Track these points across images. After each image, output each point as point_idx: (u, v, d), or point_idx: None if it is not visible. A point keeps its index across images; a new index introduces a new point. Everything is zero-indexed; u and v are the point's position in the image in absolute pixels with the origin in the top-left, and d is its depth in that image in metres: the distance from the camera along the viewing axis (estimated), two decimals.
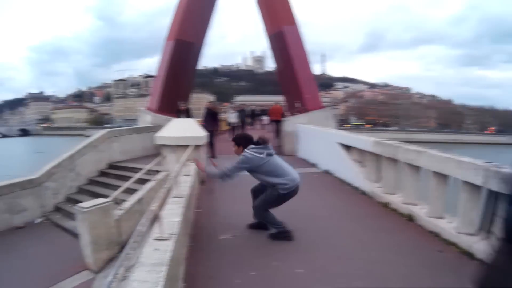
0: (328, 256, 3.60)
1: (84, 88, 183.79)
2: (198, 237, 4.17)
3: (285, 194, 3.92)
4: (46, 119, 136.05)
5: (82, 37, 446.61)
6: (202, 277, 3.15)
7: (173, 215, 3.69)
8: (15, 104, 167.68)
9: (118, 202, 6.05)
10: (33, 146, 63.74)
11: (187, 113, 10.48)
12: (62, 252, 6.05)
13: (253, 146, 4.03)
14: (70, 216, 6.72)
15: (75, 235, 6.09)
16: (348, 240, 4.04)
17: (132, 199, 6.37)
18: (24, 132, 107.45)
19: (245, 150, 4.00)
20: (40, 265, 5.60)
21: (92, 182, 9.20)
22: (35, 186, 7.83)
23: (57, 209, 8.16)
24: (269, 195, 4.02)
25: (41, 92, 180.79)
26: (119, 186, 6.99)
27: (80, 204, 5.32)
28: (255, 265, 3.37)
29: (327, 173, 8.44)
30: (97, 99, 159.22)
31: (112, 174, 9.51)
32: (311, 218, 4.91)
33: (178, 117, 9.67)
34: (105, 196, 6.35)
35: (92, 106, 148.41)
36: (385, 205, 5.44)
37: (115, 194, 6.22)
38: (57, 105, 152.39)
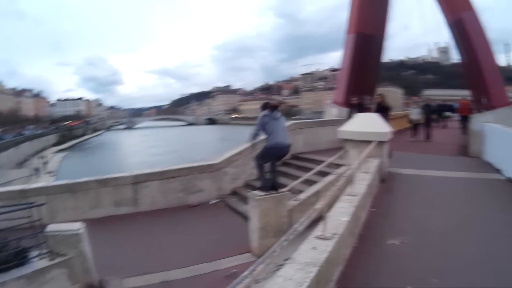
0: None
1: (271, 82, 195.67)
2: (365, 239, 4.05)
3: (270, 148, 5.58)
4: (233, 110, 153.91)
5: (264, 35, 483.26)
6: (357, 281, 3.08)
7: (341, 214, 3.70)
8: (202, 96, 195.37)
9: (295, 192, 6.26)
10: (220, 133, 71.56)
11: (360, 108, 10.00)
12: (230, 233, 6.41)
13: (266, 110, 5.67)
14: (245, 200, 6.64)
15: (246, 218, 6.28)
16: None
17: (309, 191, 6.51)
18: (211, 121, 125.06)
19: (261, 113, 5.65)
20: (206, 241, 6.06)
21: None
22: (214, 171, 8.67)
23: (234, 193, 8.81)
24: (262, 148, 5.73)
25: (228, 86, 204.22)
26: (299, 177, 7.24)
27: (255, 191, 5.67)
28: (413, 281, 3.07)
29: (510, 181, 6.67)
30: (285, 92, 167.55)
31: (294, 165, 9.71)
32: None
33: (350, 112, 9.42)
34: (284, 185, 6.42)
35: (281, 99, 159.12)
36: None
37: (293, 184, 6.42)
38: (244, 97, 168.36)
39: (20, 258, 4.16)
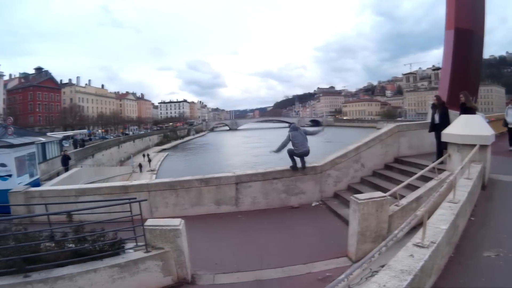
0: None
1: (374, 82, 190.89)
2: (461, 249, 3.76)
3: (296, 154, 8.42)
4: (337, 111, 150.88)
5: (365, 34, 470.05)
6: None
7: (441, 221, 3.52)
8: (305, 98, 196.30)
9: (396, 197, 6.02)
10: (324, 136, 71.00)
11: (465, 109, 8.96)
12: (328, 236, 6.32)
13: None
14: (347, 203, 6.81)
15: (346, 222, 6.28)
16: None
17: (410, 196, 6.16)
18: (315, 123, 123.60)
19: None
20: (303, 243, 6.03)
21: (375, 174, 9.45)
22: (317, 173, 8.65)
23: (336, 195, 8.74)
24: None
25: (331, 87, 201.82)
26: (401, 181, 6.85)
27: (357, 195, 5.55)
28: None
29: None
30: (388, 92, 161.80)
31: (397, 169, 9.41)
32: None
33: (434, 112, 8.77)
34: (386, 190, 6.32)
35: (384, 100, 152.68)
36: None
37: (395, 189, 6.08)
38: (348, 98, 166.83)
39: (115, 248, 4.57)
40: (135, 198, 4.97)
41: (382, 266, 2.43)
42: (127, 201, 4.89)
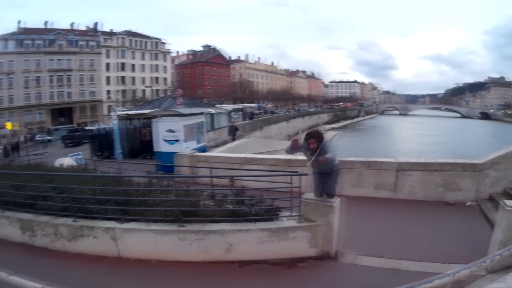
0: None
1: None
2: None
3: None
4: (508, 106, 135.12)
5: None
6: None
7: None
8: (475, 87, 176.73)
9: None
10: (491, 131, 65.40)
11: None
12: (473, 240, 5.73)
13: None
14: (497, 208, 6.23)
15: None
16: None
17: None
18: (485, 116, 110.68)
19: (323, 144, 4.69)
20: (447, 242, 5.65)
21: None
22: (476, 171, 7.73)
23: (491, 198, 7.69)
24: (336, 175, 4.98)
25: (502, 77, 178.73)
26: None
27: (507, 201, 4.81)
28: None
29: None
30: None
31: None
32: None
33: None
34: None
35: None
36: None
37: None
38: None
39: (270, 214, 4.75)
40: (297, 172, 5.05)
41: None
42: (289, 173, 5.02)
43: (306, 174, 4.70)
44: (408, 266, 4.76)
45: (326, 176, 4.81)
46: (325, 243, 4.66)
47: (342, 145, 37.26)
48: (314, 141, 4.53)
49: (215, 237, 4.61)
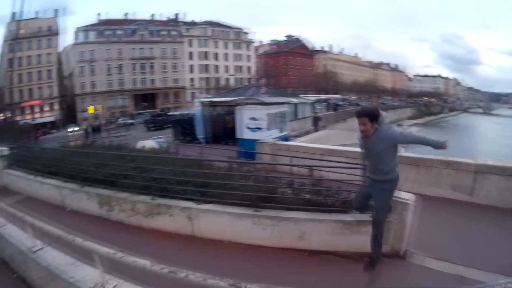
0: None
1: None
2: None
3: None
4: None
5: None
6: None
7: None
8: None
9: None
10: None
11: None
12: None
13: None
14: None
15: None
16: None
17: None
18: None
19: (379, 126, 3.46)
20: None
21: None
22: None
23: None
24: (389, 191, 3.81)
25: None
26: None
27: None
28: None
29: None
30: None
31: None
32: None
33: None
34: None
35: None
36: None
37: None
38: None
39: (345, 206, 4.80)
40: None
41: None
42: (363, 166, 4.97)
43: None
44: (472, 274, 4.63)
45: (378, 185, 3.70)
46: (396, 241, 4.67)
47: None
48: (365, 121, 3.44)
49: (289, 224, 4.76)
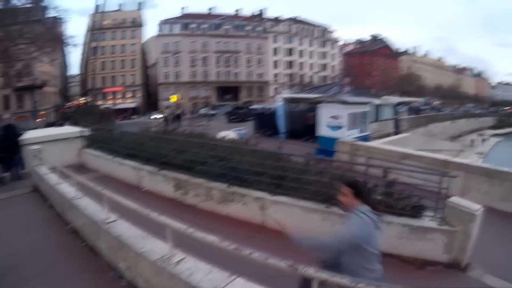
0: None
1: None
2: None
3: None
4: None
5: None
6: None
7: None
8: None
9: None
10: None
11: None
12: None
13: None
14: None
15: None
16: None
17: None
18: None
19: (359, 208, 2.76)
20: None
21: None
22: None
23: None
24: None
25: None
26: None
27: None
28: None
29: None
30: None
31: None
32: None
33: None
34: None
35: None
36: None
37: None
38: None
39: (414, 211, 4.98)
40: (448, 173, 5.22)
41: None
42: (439, 173, 5.19)
43: (455, 177, 4.90)
44: None
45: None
46: (459, 252, 4.74)
47: (504, 154, 34.27)
48: (348, 192, 2.86)
49: None
